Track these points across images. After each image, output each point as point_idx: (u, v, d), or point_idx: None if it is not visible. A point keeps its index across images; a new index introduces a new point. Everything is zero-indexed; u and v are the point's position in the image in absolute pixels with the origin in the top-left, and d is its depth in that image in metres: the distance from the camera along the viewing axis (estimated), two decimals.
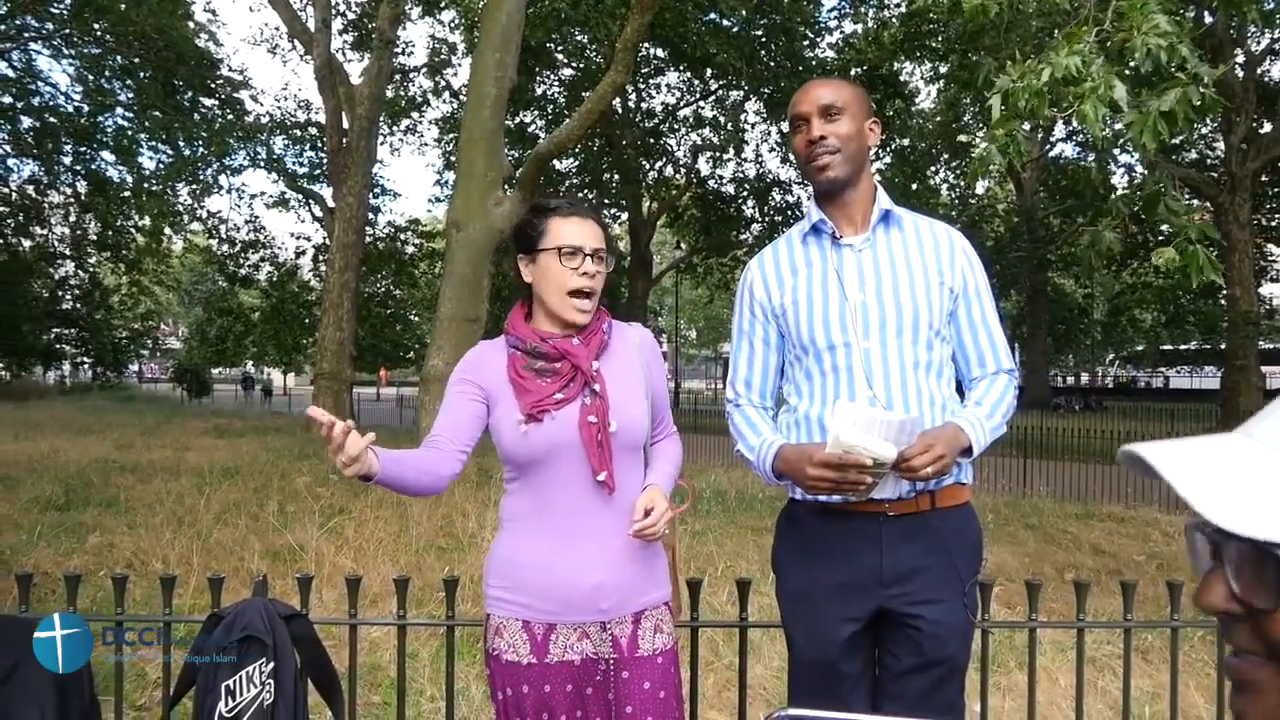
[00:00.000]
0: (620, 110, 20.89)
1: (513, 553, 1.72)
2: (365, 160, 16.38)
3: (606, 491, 1.68)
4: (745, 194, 23.22)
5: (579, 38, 19.11)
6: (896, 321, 1.71)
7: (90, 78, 19.93)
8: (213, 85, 20.17)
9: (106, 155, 21.80)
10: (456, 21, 20.24)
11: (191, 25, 19.63)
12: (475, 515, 6.83)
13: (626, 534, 1.64)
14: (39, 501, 7.42)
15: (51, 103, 20.46)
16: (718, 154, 22.98)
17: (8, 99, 19.51)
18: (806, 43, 18.74)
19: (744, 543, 6.40)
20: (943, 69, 18.84)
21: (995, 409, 1.75)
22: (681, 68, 20.50)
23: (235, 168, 22.02)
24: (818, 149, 1.74)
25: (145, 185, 21.35)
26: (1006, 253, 28.06)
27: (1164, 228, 5.12)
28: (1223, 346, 21.99)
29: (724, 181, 23.87)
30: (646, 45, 17.93)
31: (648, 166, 23.08)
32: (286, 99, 29.96)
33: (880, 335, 1.71)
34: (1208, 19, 13.69)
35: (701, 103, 22.55)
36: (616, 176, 22.37)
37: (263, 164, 21.50)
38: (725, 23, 17.71)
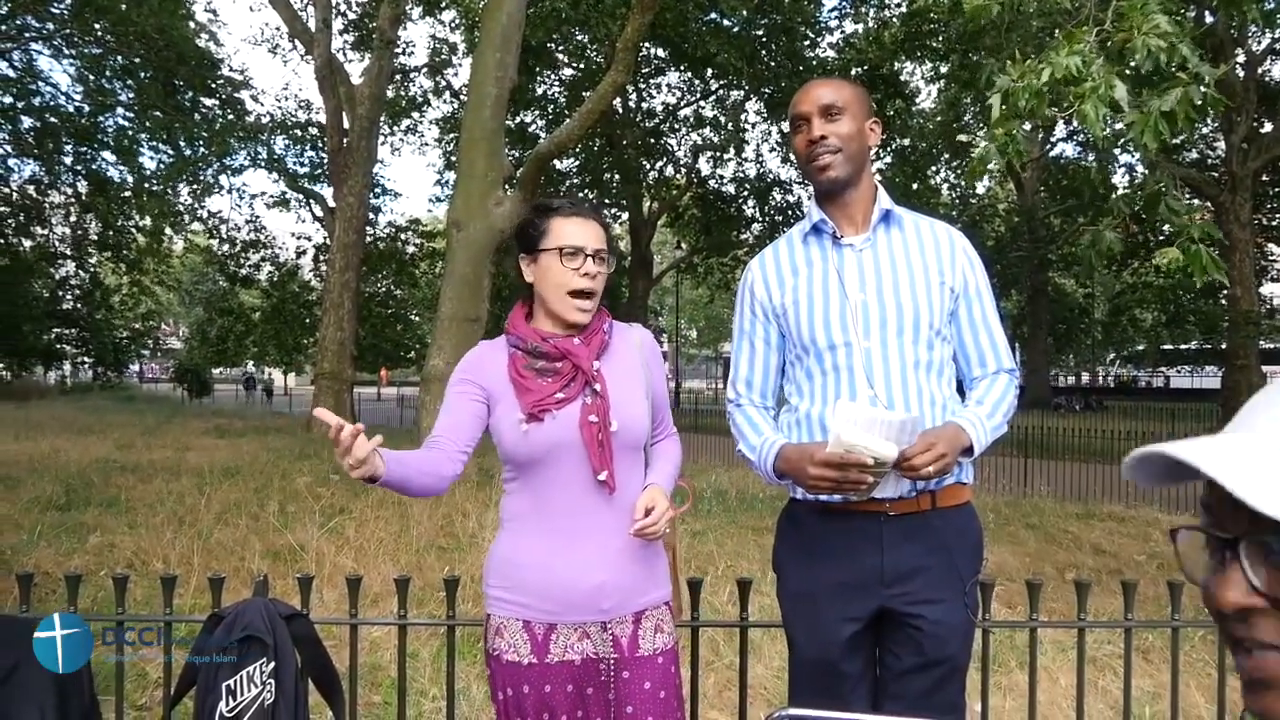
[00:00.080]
0: (621, 110, 20.89)
1: (513, 552, 1.72)
2: (366, 160, 16.40)
3: (607, 491, 1.68)
4: (746, 194, 23.23)
5: (579, 38, 19.11)
6: (897, 321, 1.71)
7: (91, 78, 19.92)
8: (213, 85, 20.18)
9: (107, 155, 21.84)
10: (457, 21, 20.24)
11: (192, 25, 19.63)
12: (475, 515, 6.83)
13: (627, 533, 1.64)
14: (40, 501, 7.42)
15: (52, 103, 20.47)
16: (718, 154, 22.97)
17: (8, 99, 19.51)
18: (807, 42, 18.73)
19: (744, 542, 6.40)
20: (943, 69, 18.83)
21: (996, 408, 1.75)
22: (682, 68, 20.49)
23: (236, 168, 22.11)
24: (818, 149, 1.74)
25: (146, 185, 21.37)
26: (1007, 252, 28.08)
27: (1164, 227, 5.12)
28: (1223, 346, 22.03)
29: (724, 181, 23.93)
30: (647, 45, 17.93)
31: (648, 166, 23.07)
32: (287, 99, 29.92)
33: (881, 335, 1.71)
34: (1208, 19, 13.69)
35: (702, 102, 22.55)
36: (617, 176, 22.36)
37: (263, 164, 21.53)
38: (726, 22, 17.71)
